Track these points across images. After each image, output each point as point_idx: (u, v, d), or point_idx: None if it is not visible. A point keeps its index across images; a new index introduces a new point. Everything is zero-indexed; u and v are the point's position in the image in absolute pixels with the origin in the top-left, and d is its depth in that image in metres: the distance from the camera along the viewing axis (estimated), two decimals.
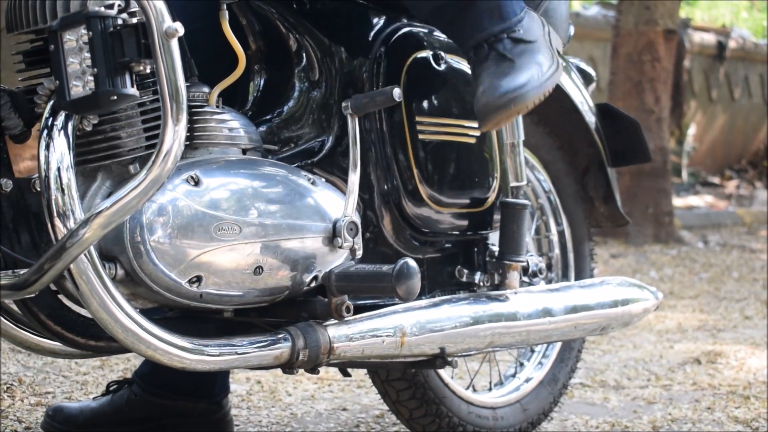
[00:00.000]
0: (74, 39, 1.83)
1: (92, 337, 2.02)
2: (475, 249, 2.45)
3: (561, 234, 2.81)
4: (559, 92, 2.71)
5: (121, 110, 1.92)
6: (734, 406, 3.16)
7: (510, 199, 2.44)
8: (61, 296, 1.97)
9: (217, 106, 2.10)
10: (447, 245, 2.40)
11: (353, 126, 2.14)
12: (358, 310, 2.14)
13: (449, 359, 2.26)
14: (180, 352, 1.91)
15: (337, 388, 3.24)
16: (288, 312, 2.12)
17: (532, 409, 2.73)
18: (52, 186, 1.81)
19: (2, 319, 2.04)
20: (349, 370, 2.41)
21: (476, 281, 2.43)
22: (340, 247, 2.10)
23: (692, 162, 10.88)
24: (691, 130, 10.73)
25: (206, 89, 2.09)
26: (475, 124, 2.38)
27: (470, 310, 2.29)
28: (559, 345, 2.79)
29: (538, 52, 2.23)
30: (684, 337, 4.28)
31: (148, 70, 1.88)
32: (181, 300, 1.97)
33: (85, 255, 1.80)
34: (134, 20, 1.85)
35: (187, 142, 2.00)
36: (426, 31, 2.35)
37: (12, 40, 1.97)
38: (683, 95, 10.61)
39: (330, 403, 3.07)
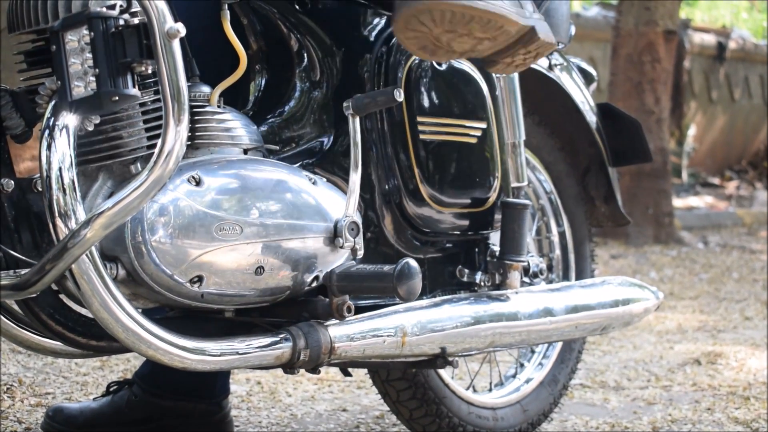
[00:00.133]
0: (76, 39, 1.84)
1: (93, 337, 2.02)
2: (476, 249, 2.45)
3: (562, 235, 2.81)
4: (560, 92, 2.71)
5: (123, 110, 1.92)
6: (734, 407, 3.16)
7: (511, 199, 2.44)
8: (62, 296, 1.97)
9: (219, 106, 2.10)
10: (448, 245, 2.40)
11: (354, 126, 2.14)
12: (359, 310, 2.14)
13: (450, 359, 2.26)
14: (181, 352, 1.91)
15: (337, 388, 3.24)
16: (289, 312, 2.12)
17: (532, 409, 2.73)
18: (54, 186, 1.81)
19: (3, 318, 2.04)
20: (350, 370, 2.41)
21: (477, 281, 2.43)
22: (342, 247, 2.10)
23: (692, 163, 10.88)
24: (691, 131, 10.73)
25: (207, 89, 2.09)
26: (477, 124, 2.38)
27: (471, 309, 2.29)
28: (559, 346, 2.79)
29: None
30: (684, 337, 4.28)
31: (149, 71, 1.88)
32: (182, 300, 1.97)
33: (86, 255, 1.80)
34: (136, 21, 1.86)
35: (189, 142, 2.00)
36: None
37: (13, 39, 1.97)
38: (683, 96, 10.62)
39: (330, 404, 3.07)
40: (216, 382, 2.56)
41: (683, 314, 4.82)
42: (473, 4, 2.05)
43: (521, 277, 2.45)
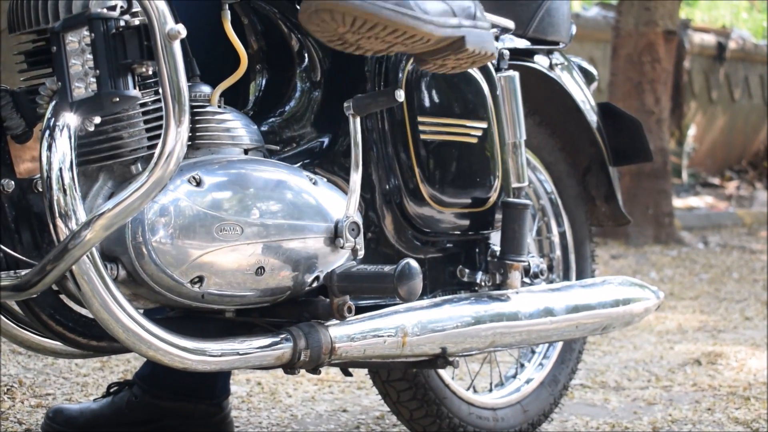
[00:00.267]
0: (76, 40, 1.84)
1: (93, 338, 2.02)
2: (477, 249, 2.45)
3: (562, 235, 2.82)
4: (561, 91, 2.71)
5: (123, 110, 1.92)
6: (734, 407, 3.16)
7: (512, 199, 2.44)
8: (62, 296, 1.97)
9: (219, 107, 2.10)
10: (448, 245, 2.40)
11: (355, 126, 2.14)
12: (360, 310, 2.14)
13: (451, 359, 2.26)
14: (181, 352, 1.91)
15: (338, 389, 3.24)
16: (290, 312, 2.12)
17: (532, 410, 2.73)
18: (54, 186, 1.80)
19: (3, 318, 2.04)
20: (351, 370, 2.41)
21: (478, 281, 2.43)
22: (342, 248, 2.10)
23: (692, 163, 10.88)
24: (691, 131, 10.74)
25: (208, 89, 2.09)
26: (478, 124, 2.38)
27: (472, 309, 2.29)
28: (559, 346, 2.79)
29: None
30: (684, 338, 4.28)
31: (150, 72, 1.88)
32: (182, 300, 1.97)
33: (87, 256, 1.80)
34: (136, 21, 1.86)
35: (189, 142, 2.00)
36: None
37: (14, 40, 1.97)
38: (683, 96, 10.62)
39: (330, 405, 3.07)
40: (216, 383, 2.56)
41: (683, 314, 4.82)
42: (379, 12, 1.93)
43: (522, 277, 2.45)
